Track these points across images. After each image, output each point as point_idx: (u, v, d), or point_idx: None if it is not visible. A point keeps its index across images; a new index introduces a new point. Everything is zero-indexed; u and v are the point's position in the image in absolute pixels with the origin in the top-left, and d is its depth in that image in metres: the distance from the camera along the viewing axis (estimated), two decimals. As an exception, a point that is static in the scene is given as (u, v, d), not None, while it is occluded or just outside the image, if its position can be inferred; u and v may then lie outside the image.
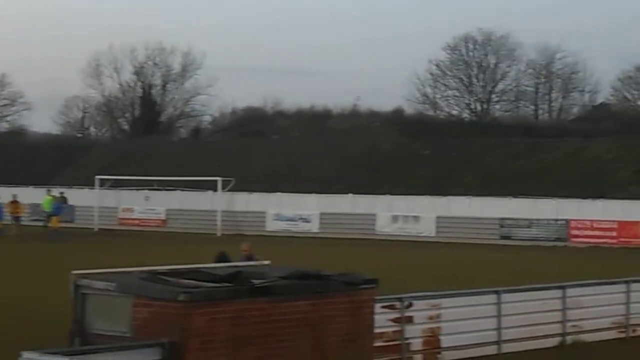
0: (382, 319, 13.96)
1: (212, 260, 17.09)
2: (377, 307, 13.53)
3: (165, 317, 11.30)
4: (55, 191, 51.34)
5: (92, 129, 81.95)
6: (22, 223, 47.20)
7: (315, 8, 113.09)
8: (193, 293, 11.35)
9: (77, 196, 56.20)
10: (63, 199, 55.11)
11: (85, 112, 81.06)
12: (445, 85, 71.35)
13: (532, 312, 16.11)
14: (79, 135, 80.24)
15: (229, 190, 50.90)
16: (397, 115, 66.97)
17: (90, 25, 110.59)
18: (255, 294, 11.83)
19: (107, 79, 77.74)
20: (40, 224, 47.80)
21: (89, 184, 54.18)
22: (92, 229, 51.29)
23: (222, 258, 17.23)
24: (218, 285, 11.86)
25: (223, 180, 50.16)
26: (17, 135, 79.38)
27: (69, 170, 66.05)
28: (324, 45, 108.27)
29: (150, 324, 11.42)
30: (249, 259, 17.28)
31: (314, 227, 49.69)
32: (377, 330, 13.48)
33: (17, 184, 56.28)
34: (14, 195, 48.62)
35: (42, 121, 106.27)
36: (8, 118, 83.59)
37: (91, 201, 53.49)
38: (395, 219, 48.30)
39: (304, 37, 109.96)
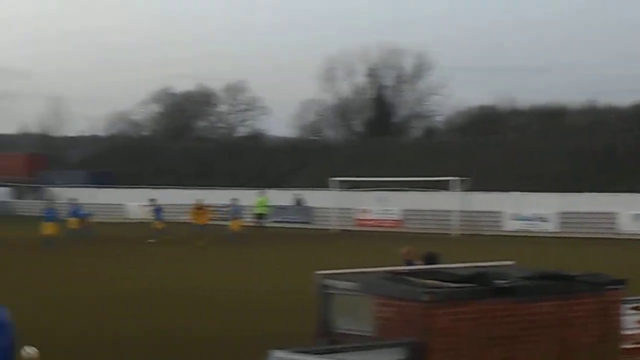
0: (631, 321, 13.44)
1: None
2: (625, 309, 13.04)
3: (407, 317, 11.28)
4: (286, 193, 51.39)
5: (326, 132, 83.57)
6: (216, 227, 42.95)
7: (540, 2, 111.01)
8: (436, 293, 11.29)
9: (314, 198, 57.47)
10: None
11: (319, 115, 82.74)
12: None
13: None
14: (314, 138, 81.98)
15: (464, 190, 50.59)
16: (637, 110, 64.50)
17: (322, 30, 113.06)
18: (498, 294, 11.65)
19: (340, 82, 79.18)
20: (267, 225, 48.77)
21: (324, 185, 55.20)
22: (329, 229, 52.18)
23: (431, 259, 17.03)
24: (460, 285, 11.75)
25: (458, 180, 49.94)
26: (255, 139, 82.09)
27: (304, 172, 67.55)
28: (554, 39, 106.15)
29: (392, 323, 11.44)
30: (409, 264, 16.57)
31: (552, 227, 48.61)
32: (625, 332, 13.00)
33: (255, 186, 58.10)
34: (198, 200, 44.15)
35: (279, 125, 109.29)
36: (247, 122, 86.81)
37: (328, 202, 54.44)
38: (638, 217, 46.55)
39: (533, 33, 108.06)
